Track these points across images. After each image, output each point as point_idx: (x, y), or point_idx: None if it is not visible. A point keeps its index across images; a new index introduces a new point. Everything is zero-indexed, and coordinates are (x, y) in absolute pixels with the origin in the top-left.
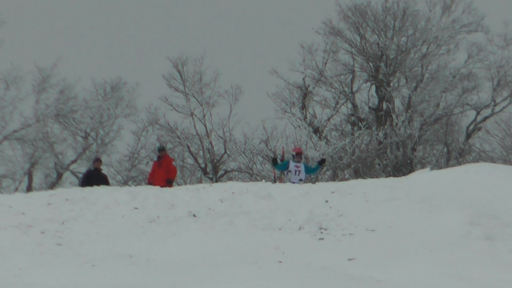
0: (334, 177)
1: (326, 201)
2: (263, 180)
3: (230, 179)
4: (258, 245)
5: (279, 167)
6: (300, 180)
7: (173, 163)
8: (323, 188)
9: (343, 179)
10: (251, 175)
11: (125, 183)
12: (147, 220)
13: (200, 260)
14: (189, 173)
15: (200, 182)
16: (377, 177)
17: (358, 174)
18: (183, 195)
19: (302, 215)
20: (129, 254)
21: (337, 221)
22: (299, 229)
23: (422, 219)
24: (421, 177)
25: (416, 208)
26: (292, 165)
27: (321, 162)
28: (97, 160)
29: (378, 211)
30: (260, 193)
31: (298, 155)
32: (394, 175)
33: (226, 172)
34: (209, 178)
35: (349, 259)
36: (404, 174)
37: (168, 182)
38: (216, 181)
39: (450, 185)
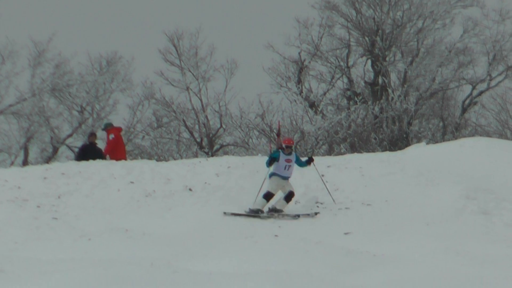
0: (330, 152)
1: (322, 175)
2: (259, 154)
3: (226, 153)
4: (254, 219)
5: (269, 160)
6: (287, 178)
7: (111, 136)
8: (319, 163)
9: (339, 153)
10: (247, 149)
11: None
12: (143, 194)
13: (196, 234)
14: (185, 147)
15: (196, 156)
16: (373, 151)
17: (354, 148)
18: (179, 170)
19: (298, 189)
20: (125, 228)
21: (333, 195)
22: (295, 203)
23: (418, 193)
24: (417, 152)
25: (412, 182)
26: (282, 158)
27: (310, 160)
28: (92, 135)
29: (374, 185)
30: (256, 167)
31: (288, 147)
32: (390, 150)
33: (222, 146)
34: (205, 152)
35: (345, 233)
36: (400, 148)
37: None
38: (212, 156)
39: (446, 160)
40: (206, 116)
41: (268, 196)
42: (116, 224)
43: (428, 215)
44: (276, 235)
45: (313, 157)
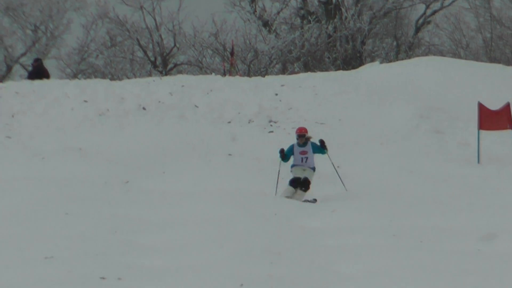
0: (283, 71)
1: (276, 95)
2: (213, 74)
3: (179, 72)
4: (207, 138)
5: (284, 158)
6: (308, 168)
7: None
8: (273, 82)
9: (293, 72)
10: (201, 69)
11: (74, 76)
12: (97, 113)
13: (150, 153)
14: (139, 66)
15: (150, 75)
16: (326, 70)
17: (307, 67)
18: (133, 88)
19: (252, 108)
20: (78, 147)
21: (287, 114)
22: (249, 122)
23: (372, 113)
24: (370, 71)
25: (365, 101)
26: (296, 151)
27: (322, 144)
28: (36, 61)
29: (328, 104)
30: (210, 86)
31: (300, 137)
32: (344, 69)
33: (175, 65)
34: (158, 71)
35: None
36: (354, 67)
37: None
38: (166, 75)
39: (399, 79)
40: (160, 35)
41: (293, 181)
42: (70, 143)
43: (381, 134)
44: (229, 154)
45: (323, 139)
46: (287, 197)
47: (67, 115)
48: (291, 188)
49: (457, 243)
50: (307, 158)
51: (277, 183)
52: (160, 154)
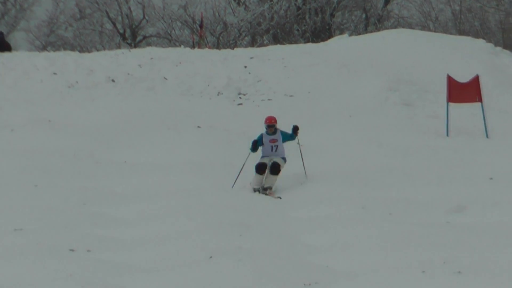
0: (252, 43)
1: (245, 67)
2: (182, 46)
3: (149, 44)
4: (177, 111)
5: (255, 149)
6: (277, 157)
7: None
8: (242, 54)
9: (262, 45)
10: (170, 41)
11: (43, 48)
12: (66, 85)
13: (120, 125)
14: (108, 38)
15: (119, 47)
16: (295, 43)
17: (276, 40)
18: (102, 60)
19: (221, 81)
20: (48, 119)
21: (256, 87)
22: (218, 95)
23: (341, 85)
24: (339, 43)
25: (334, 74)
26: (266, 139)
27: (295, 129)
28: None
29: (297, 76)
30: (179, 59)
31: (270, 127)
32: (313, 41)
33: (144, 37)
34: (127, 43)
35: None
36: (323, 40)
37: None
38: (135, 47)
39: (368, 51)
40: (129, 7)
41: (260, 167)
42: (39, 115)
43: (351, 106)
44: (199, 126)
45: (298, 126)
46: (256, 189)
47: (36, 87)
48: (259, 177)
49: (426, 215)
50: (277, 146)
51: (238, 176)
52: (129, 126)
